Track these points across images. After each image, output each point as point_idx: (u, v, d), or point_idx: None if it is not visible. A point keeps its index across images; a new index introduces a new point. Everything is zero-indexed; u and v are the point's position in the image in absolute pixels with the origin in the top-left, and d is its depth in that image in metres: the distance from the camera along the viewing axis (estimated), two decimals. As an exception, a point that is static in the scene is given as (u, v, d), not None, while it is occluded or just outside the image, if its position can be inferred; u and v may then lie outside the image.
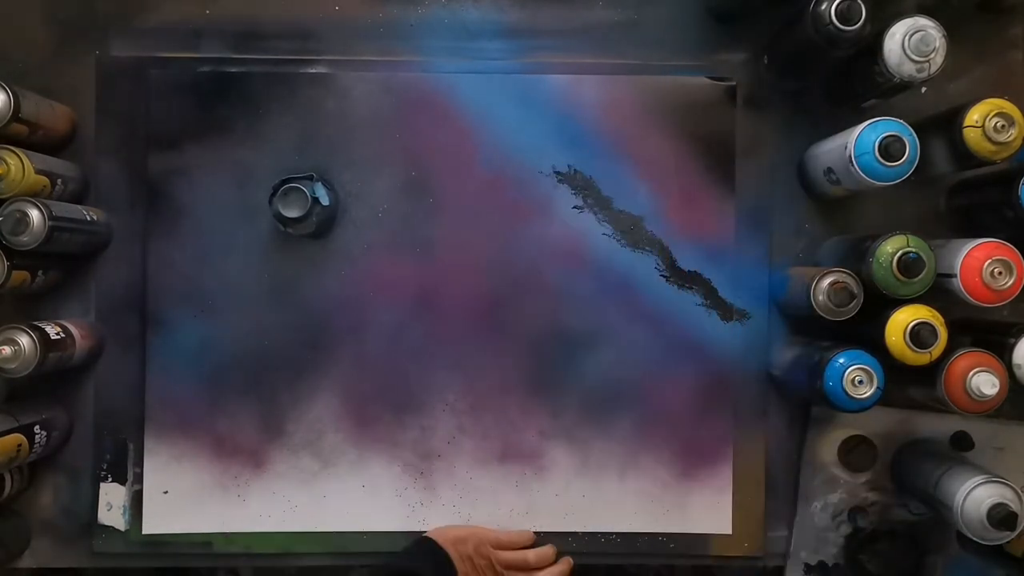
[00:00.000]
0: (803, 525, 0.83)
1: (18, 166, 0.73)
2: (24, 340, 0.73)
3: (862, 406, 0.72)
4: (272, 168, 0.82)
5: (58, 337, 0.76)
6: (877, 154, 0.70)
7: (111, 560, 0.83)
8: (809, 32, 0.73)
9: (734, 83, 0.84)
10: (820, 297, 0.74)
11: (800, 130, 0.83)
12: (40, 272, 0.78)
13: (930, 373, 0.72)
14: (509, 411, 0.83)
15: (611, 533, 0.83)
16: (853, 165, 0.71)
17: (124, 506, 0.82)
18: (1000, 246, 0.71)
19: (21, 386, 0.81)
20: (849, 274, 0.74)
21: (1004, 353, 0.72)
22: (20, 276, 0.75)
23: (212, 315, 0.82)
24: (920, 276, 0.71)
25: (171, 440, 0.82)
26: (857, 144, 0.71)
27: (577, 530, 0.83)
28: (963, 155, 0.72)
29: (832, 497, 0.83)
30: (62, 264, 0.81)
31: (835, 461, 0.83)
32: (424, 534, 0.80)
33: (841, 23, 0.71)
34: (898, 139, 0.70)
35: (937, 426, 0.83)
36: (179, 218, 0.82)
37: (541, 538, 0.83)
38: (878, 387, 0.72)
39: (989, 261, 0.70)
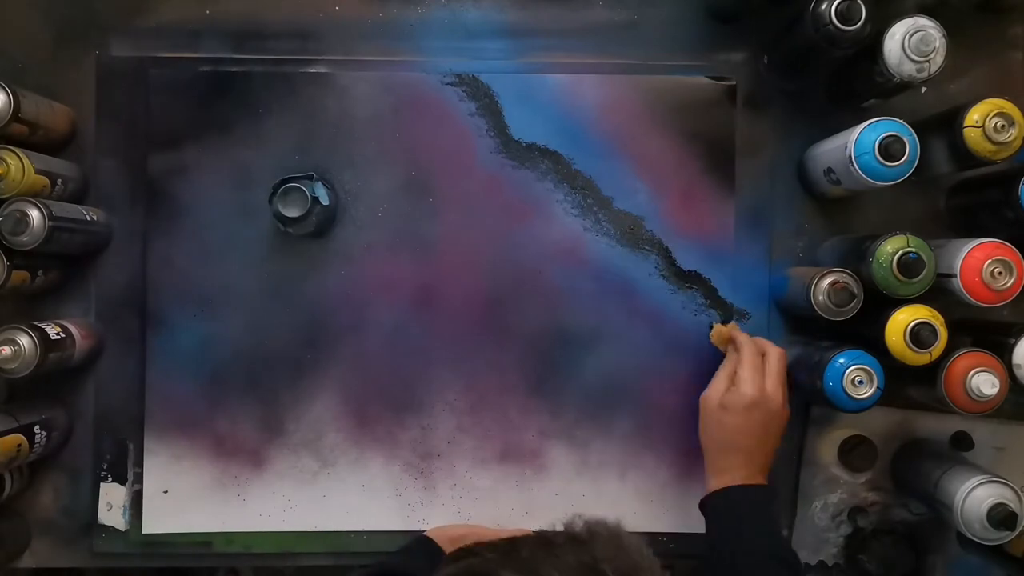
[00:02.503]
0: (803, 525, 0.83)
1: (18, 166, 0.73)
2: (24, 340, 0.73)
3: (862, 406, 0.72)
4: (272, 168, 0.82)
5: (58, 337, 0.76)
6: (877, 154, 0.70)
7: (111, 560, 0.83)
8: (809, 32, 0.73)
9: (734, 83, 0.84)
10: (820, 297, 0.74)
11: (800, 130, 0.83)
12: (40, 272, 0.78)
13: (930, 373, 0.72)
14: (509, 411, 0.83)
15: (611, 533, 0.83)
16: (853, 165, 0.71)
17: (124, 506, 0.82)
18: (1000, 246, 0.71)
19: (21, 386, 0.81)
20: (849, 274, 0.74)
21: (1004, 353, 0.72)
22: (20, 276, 0.75)
23: (212, 315, 0.82)
24: (920, 276, 0.71)
25: (171, 440, 0.82)
26: (857, 144, 0.71)
27: (577, 530, 0.83)
28: (963, 155, 0.72)
29: (832, 497, 0.83)
30: (62, 264, 0.81)
31: (835, 461, 0.83)
32: (423, 533, 0.80)
33: (841, 23, 0.71)
34: (898, 139, 0.70)
35: (937, 426, 0.83)
36: (179, 218, 0.82)
37: (541, 538, 0.83)
38: (878, 387, 0.72)
39: (989, 261, 0.70)
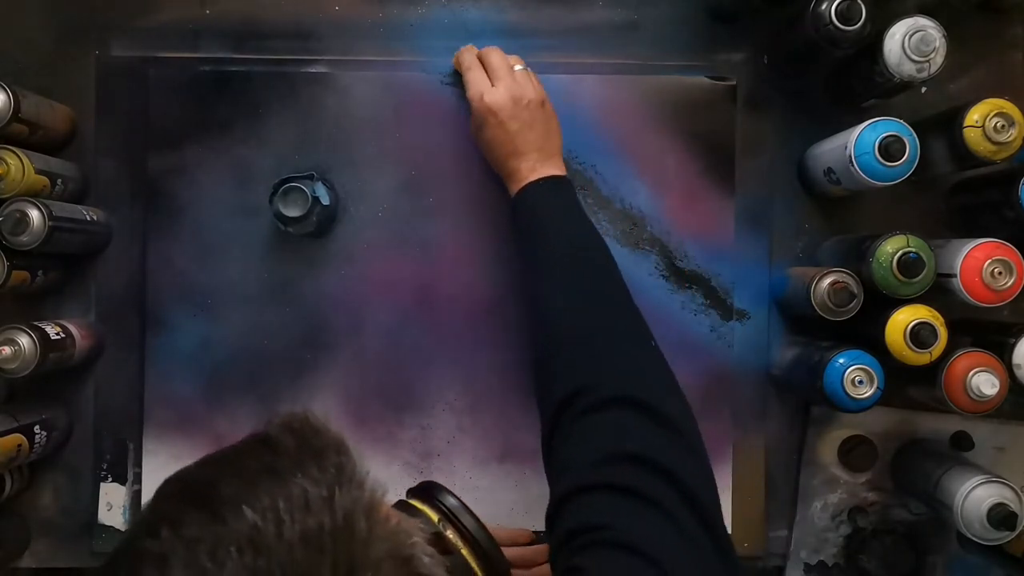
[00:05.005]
0: (803, 525, 0.83)
1: (18, 166, 0.73)
2: (24, 340, 0.72)
3: (862, 406, 0.72)
4: (272, 168, 0.82)
5: (58, 337, 0.76)
6: (877, 154, 0.70)
7: (111, 560, 0.83)
8: (809, 32, 0.73)
9: (734, 83, 0.84)
10: (820, 297, 0.74)
11: (800, 130, 0.83)
12: (40, 272, 0.78)
13: (930, 373, 0.72)
14: (509, 411, 0.83)
15: (611, 533, 0.83)
16: (853, 165, 0.71)
17: (124, 506, 0.82)
18: (1000, 246, 0.71)
19: (21, 386, 0.81)
20: (849, 274, 0.74)
21: (1004, 353, 0.72)
22: (20, 276, 0.75)
23: (212, 314, 0.82)
24: (920, 276, 0.71)
25: (171, 440, 0.82)
26: (857, 144, 0.71)
27: (577, 530, 0.83)
28: (963, 155, 0.72)
29: (832, 497, 0.83)
30: (62, 264, 0.81)
31: (835, 461, 0.83)
32: None
33: (841, 23, 0.71)
34: (898, 139, 0.70)
35: (937, 426, 0.83)
36: (179, 217, 0.82)
37: (541, 538, 0.83)
38: (878, 387, 0.72)
39: (989, 261, 0.70)
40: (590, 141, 0.83)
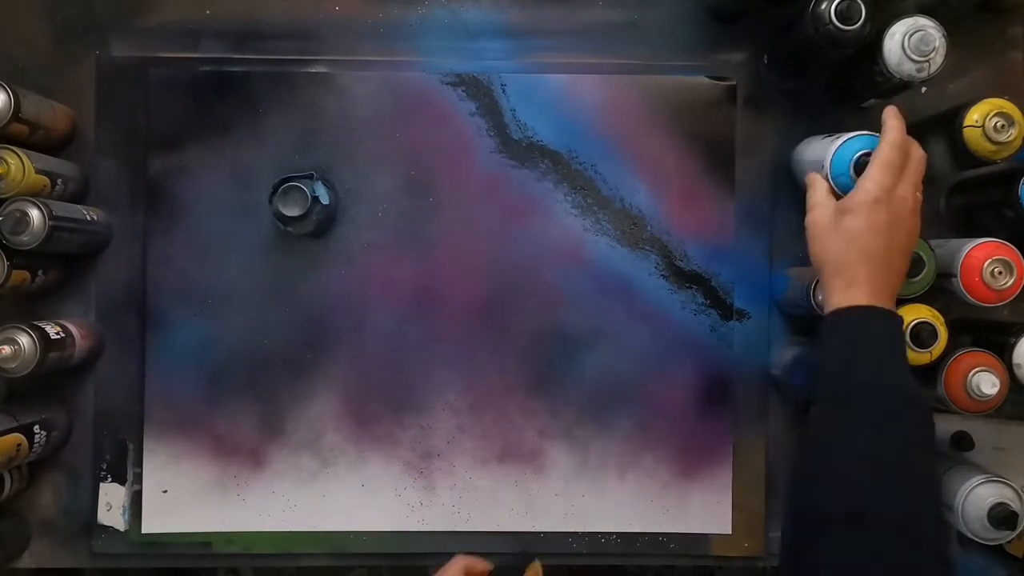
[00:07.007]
0: (803, 525, 0.83)
1: (18, 166, 0.73)
2: (24, 340, 0.73)
3: (862, 406, 0.72)
4: (272, 167, 0.82)
5: (58, 337, 0.76)
6: (853, 173, 0.69)
7: (111, 560, 0.83)
8: (809, 32, 0.73)
9: (734, 83, 0.84)
10: (820, 297, 0.74)
11: (800, 130, 0.83)
12: (40, 272, 0.78)
13: (930, 373, 0.72)
14: (509, 411, 0.83)
15: (611, 533, 0.83)
16: (831, 184, 0.70)
17: (124, 506, 0.82)
18: (1000, 246, 0.71)
19: (21, 386, 0.81)
20: (849, 274, 0.74)
21: (1004, 353, 0.72)
22: (20, 276, 0.75)
23: (212, 314, 0.82)
24: (920, 276, 0.71)
25: (171, 440, 0.82)
26: (833, 165, 0.70)
27: (577, 530, 0.83)
28: (963, 155, 0.72)
29: (832, 497, 0.83)
30: (62, 264, 0.81)
31: (835, 461, 0.83)
32: None
33: (841, 23, 0.71)
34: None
35: (937, 426, 0.82)
36: (179, 217, 0.82)
37: (541, 538, 0.83)
38: (878, 387, 0.72)
39: (989, 261, 0.70)
40: (590, 141, 0.83)
